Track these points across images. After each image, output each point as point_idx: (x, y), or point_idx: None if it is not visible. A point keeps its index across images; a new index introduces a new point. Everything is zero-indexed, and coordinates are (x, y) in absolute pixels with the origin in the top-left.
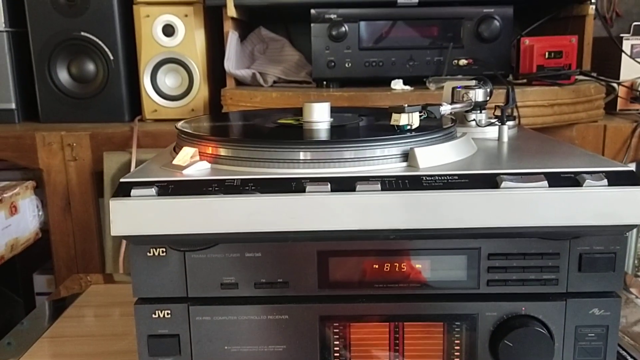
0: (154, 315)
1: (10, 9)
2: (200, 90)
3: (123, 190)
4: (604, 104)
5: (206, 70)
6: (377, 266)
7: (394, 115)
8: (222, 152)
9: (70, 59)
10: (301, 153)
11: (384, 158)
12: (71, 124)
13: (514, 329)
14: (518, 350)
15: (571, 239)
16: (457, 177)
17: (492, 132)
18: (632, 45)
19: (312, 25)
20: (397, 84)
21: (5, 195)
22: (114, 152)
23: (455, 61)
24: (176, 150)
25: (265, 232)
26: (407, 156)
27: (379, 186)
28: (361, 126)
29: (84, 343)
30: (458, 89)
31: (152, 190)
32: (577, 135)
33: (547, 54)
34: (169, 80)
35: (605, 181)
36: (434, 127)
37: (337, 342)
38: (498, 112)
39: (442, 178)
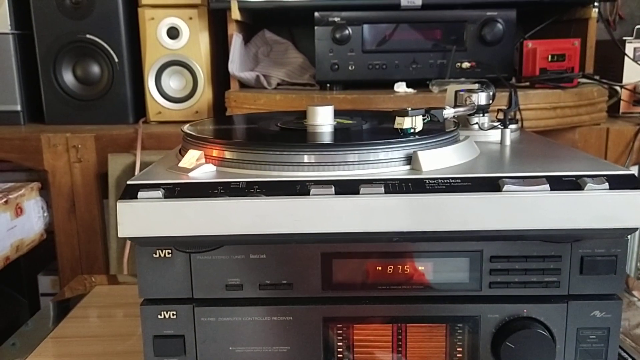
0: (159, 316)
1: (16, 11)
2: (205, 93)
3: (130, 193)
4: (607, 107)
5: (210, 72)
6: (380, 268)
7: (398, 119)
8: (228, 155)
9: (75, 61)
10: (305, 156)
11: (387, 161)
12: (76, 125)
13: (516, 331)
14: (520, 352)
15: (573, 242)
16: (459, 181)
17: (494, 135)
18: (635, 49)
19: (315, 28)
20: (400, 87)
21: (10, 196)
22: (119, 154)
23: (459, 64)
24: (182, 152)
25: (269, 234)
26: (410, 159)
27: (382, 189)
28: (365, 129)
29: (89, 344)
30: (461, 93)
31: (159, 193)
32: (580, 138)
33: (549, 57)
34: (174, 83)
35: (606, 184)
36: (437, 130)
37: (341, 343)
38: (501, 116)
39: (445, 181)
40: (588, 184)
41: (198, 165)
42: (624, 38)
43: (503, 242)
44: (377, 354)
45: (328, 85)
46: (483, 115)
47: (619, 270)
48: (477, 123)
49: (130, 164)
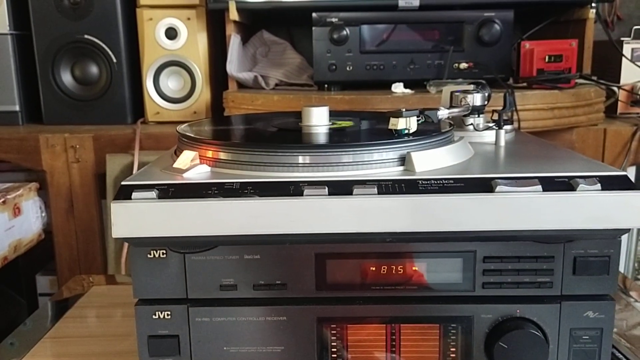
0: (154, 316)
1: (15, 12)
2: (203, 93)
3: (124, 193)
4: (604, 107)
5: (208, 73)
6: (374, 268)
7: (392, 120)
8: (222, 155)
9: (73, 62)
10: (299, 157)
11: (381, 162)
12: (74, 126)
13: (509, 331)
14: (513, 352)
15: (565, 243)
16: (452, 181)
17: (489, 136)
18: (632, 49)
19: (313, 28)
20: (398, 88)
21: (8, 196)
22: (117, 154)
23: (456, 65)
24: (177, 153)
25: (263, 234)
26: (404, 160)
27: (375, 190)
28: (359, 130)
29: (86, 343)
30: (456, 94)
31: (153, 193)
32: (577, 139)
33: (547, 57)
34: (172, 83)
35: (598, 185)
36: (431, 131)
37: (335, 344)
38: (496, 116)
39: (438, 182)
40: (580, 185)
41: (192, 166)
42: (622, 39)
43: (496, 242)
44: (371, 354)
45: (326, 85)
46: (478, 116)
47: (612, 270)
48: (472, 124)
49: (129, 165)
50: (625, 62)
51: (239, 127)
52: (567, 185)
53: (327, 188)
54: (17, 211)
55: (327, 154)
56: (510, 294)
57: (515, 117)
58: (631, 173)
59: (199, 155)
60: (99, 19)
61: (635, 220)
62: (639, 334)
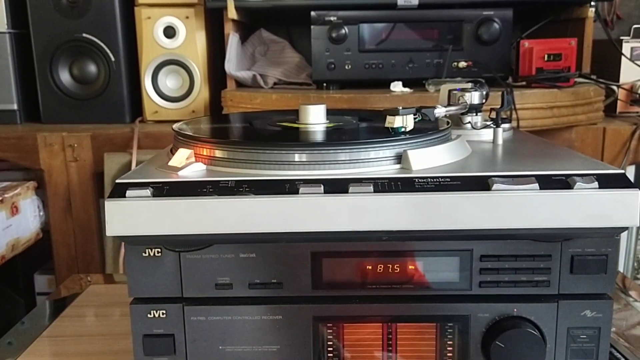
0: (149, 315)
1: (13, 10)
2: (201, 92)
3: (118, 191)
4: (604, 106)
5: (207, 71)
6: (370, 267)
7: (389, 118)
8: (217, 153)
9: (72, 61)
10: (295, 155)
11: (377, 160)
12: (72, 125)
13: (506, 330)
14: (510, 351)
15: (563, 241)
16: (449, 179)
17: (487, 134)
18: (632, 48)
19: (312, 27)
20: (397, 86)
21: (6, 195)
22: (115, 153)
23: (455, 63)
24: (173, 151)
25: (259, 233)
26: (400, 158)
27: (371, 188)
28: (355, 128)
29: (84, 342)
30: (454, 92)
31: (147, 191)
32: (577, 138)
33: (546, 56)
34: (170, 82)
35: (595, 183)
36: (429, 129)
37: (331, 343)
38: (493, 115)
39: (434, 180)
40: (577, 183)
41: (188, 164)
42: (621, 37)
43: (493, 241)
44: (367, 353)
45: (325, 84)
46: (476, 115)
47: (609, 269)
48: (469, 122)
49: (127, 163)
50: (624, 61)
51: (234, 125)
52: (564, 183)
53: (322, 186)
54: (14, 210)
55: (323, 151)
56: (507, 293)
57: (514, 116)
58: (630, 172)
59: (195, 153)
60: (97, 18)
61: (632, 219)
62: (638, 334)
